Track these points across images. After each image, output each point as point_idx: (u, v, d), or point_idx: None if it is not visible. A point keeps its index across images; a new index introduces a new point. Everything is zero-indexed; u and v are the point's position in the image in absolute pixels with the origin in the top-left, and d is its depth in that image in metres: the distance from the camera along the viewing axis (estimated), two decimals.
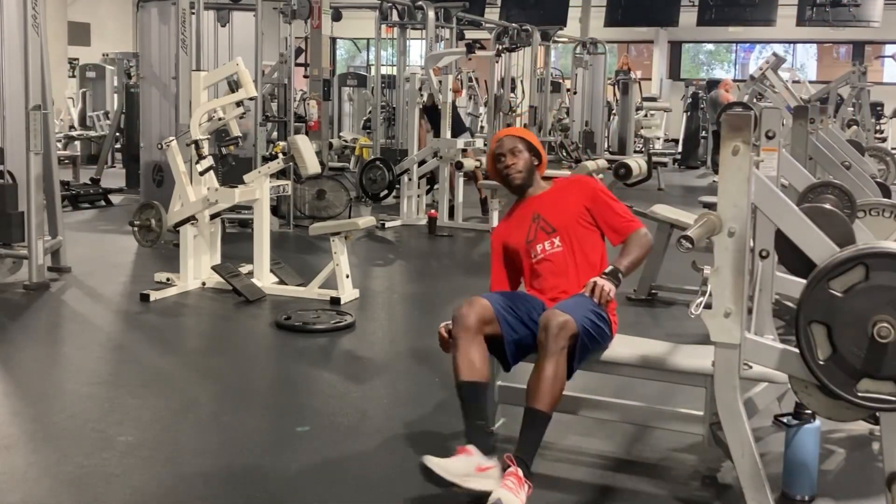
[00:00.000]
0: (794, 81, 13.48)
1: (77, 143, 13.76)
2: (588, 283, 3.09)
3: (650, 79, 23.88)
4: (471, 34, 14.38)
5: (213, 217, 5.97)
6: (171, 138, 5.96)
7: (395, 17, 11.14)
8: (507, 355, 3.10)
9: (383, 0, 10.73)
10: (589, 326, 2.99)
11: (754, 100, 12.17)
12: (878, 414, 2.53)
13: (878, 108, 16.65)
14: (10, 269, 5.96)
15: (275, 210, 8.10)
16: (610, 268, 3.16)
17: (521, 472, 2.75)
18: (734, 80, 17.71)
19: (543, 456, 3.24)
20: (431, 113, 9.29)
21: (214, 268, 5.82)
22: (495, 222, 8.69)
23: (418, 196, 9.33)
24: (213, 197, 5.72)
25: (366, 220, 6.01)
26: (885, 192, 4.82)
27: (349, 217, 8.38)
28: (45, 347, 4.77)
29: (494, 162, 3.43)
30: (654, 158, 12.63)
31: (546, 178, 3.56)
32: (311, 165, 6.16)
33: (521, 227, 3.40)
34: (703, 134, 17.05)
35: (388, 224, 8.81)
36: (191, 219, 5.80)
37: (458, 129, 9.53)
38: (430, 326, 4.16)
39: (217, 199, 5.73)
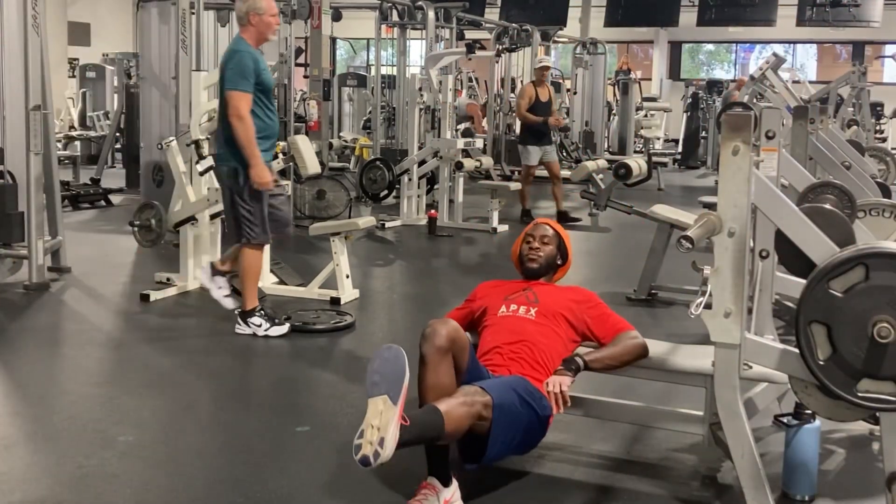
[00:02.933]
0: (794, 81, 13.47)
1: (77, 143, 13.75)
2: (546, 384, 2.97)
3: (650, 79, 23.89)
4: (471, 34, 14.38)
5: (213, 217, 5.97)
6: (171, 138, 5.97)
7: (395, 17, 11.16)
8: None
9: (383, 0, 10.74)
10: (508, 403, 2.78)
11: (754, 100, 12.17)
12: (878, 414, 2.54)
13: (878, 109, 16.65)
14: (10, 269, 5.95)
15: None
16: (573, 357, 3.04)
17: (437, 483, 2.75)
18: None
19: (543, 456, 3.25)
20: (537, 107, 9.20)
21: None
22: (495, 222, 8.70)
23: (418, 196, 9.33)
24: (213, 197, 5.72)
25: (366, 220, 6.01)
26: (885, 192, 4.82)
27: (349, 217, 8.38)
28: (45, 348, 4.76)
29: (522, 241, 3.46)
30: (654, 158, 12.65)
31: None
32: (311, 165, 6.15)
33: (506, 290, 3.38)
34: (703, 134, 17.05)
35: (388, 224, 8.81)
36: (191, 219, 5.81)
37: (541, 134, 9.41)
38: None
39: (217, 199, 5.73)
